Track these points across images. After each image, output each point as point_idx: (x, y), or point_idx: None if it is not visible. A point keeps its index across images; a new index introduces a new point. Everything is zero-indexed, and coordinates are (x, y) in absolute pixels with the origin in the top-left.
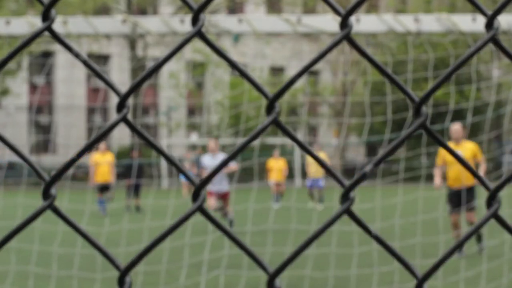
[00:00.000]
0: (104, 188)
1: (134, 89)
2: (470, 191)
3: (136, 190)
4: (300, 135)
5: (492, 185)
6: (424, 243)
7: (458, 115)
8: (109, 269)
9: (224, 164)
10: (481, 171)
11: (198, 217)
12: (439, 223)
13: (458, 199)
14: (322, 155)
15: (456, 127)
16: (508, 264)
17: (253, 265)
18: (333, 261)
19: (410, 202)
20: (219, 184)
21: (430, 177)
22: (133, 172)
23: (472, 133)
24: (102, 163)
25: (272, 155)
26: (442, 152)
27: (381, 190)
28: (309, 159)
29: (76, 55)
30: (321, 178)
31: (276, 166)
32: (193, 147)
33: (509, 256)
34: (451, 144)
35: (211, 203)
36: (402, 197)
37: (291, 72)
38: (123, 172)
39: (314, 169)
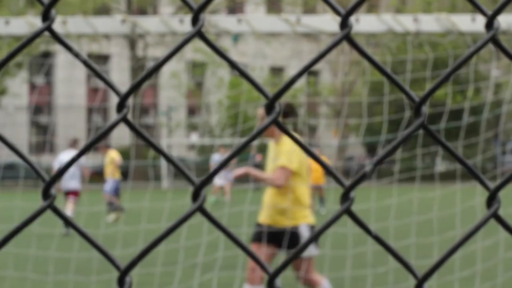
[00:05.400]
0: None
1: (134, 89)
2: None
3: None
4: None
5: (492, 185)
6: (418, 244)
7: (458, 115)
8: (104, 271)
9: (224, 164)
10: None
11: (193, 219)
12: (433, 224)
13: None
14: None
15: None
16: (503, 264)
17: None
18: (327, 263)
19: (404, 203)
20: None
21: (425, 178)
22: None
23: (472, 133)
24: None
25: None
26: None
27: (376, 191)
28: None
29: (76, 55)
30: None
31: (316, 165)
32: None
33: (504, 256)
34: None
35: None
36: (397, 198)
37: (291, 72)
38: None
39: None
